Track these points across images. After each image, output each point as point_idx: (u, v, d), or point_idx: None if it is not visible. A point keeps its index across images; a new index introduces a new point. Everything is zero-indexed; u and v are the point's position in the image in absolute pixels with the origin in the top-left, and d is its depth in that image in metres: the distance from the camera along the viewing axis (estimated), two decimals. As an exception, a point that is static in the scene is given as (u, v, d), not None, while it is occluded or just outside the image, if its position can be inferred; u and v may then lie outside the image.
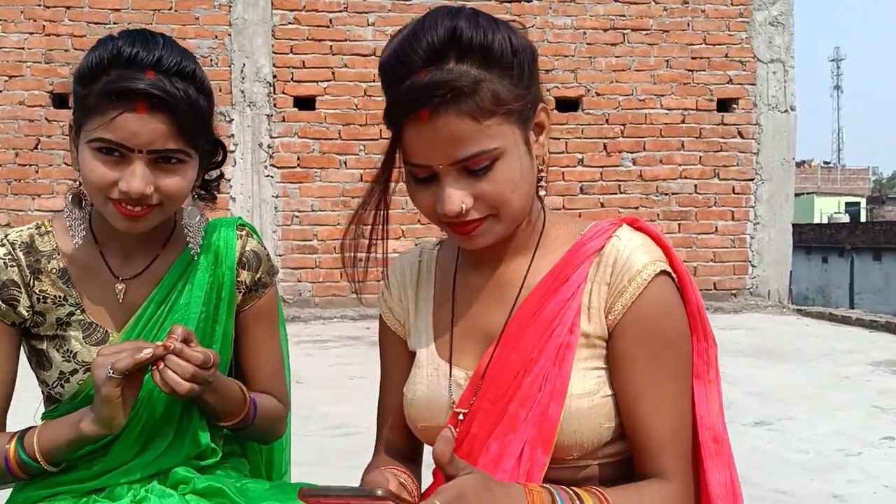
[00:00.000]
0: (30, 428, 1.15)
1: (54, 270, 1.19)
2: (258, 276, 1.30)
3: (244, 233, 1.30)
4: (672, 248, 1.00)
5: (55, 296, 1.19)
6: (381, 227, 1.03)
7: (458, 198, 0.92)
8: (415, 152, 0.92)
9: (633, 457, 0.99)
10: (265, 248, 1.34)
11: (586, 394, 0.96)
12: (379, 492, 0.78)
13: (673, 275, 0.97)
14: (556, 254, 1.00)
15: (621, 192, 7.29)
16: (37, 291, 1.18)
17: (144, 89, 1.05)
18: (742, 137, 7.36)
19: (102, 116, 1.06)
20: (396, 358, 1.11)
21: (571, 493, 0.91)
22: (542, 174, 1.00)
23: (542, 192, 1.02)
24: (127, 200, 1.09)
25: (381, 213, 1.02)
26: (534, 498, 0.88)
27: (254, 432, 1.30)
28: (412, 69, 0.89)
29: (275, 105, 6.96)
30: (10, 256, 1.17)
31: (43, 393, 1.24)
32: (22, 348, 1.22)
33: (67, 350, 1.18)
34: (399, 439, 1.10)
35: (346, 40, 7.00)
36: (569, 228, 1.03)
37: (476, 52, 0.89)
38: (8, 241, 1.18)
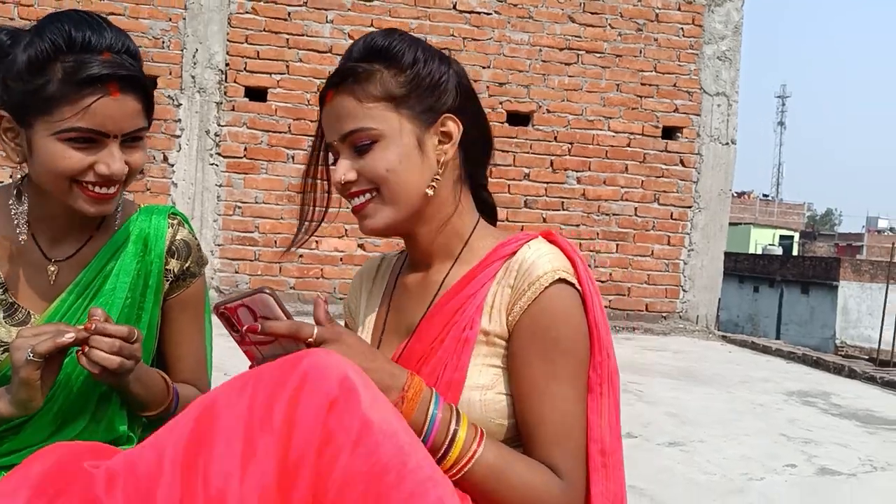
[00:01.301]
0: None
1: None
2: (187, 265, 1.31)
3: (176, 221, 1.31)
4: (581, 263, 1.06)
5: None
6: (314, 210, 1.16)
7: (343, 168, 1.06)
8: (325, 131, 1.09)
9: (525, 453, 1.03)
10: (196, 239, 1.35)
11: (480, 387, 1.03)
12: (266, 290, 0.97)
13: (577, 287, 1.04)
14: (476, 259, 1.10)
15: (564, 209, 7.43)
16: None
17: (114, 72, 1.06)
18: (683, 165, 7.58)
19: (73, 105, 1.05)
20: None
21: (452, 407, 0.99)
22: (438, 177, 1.08)
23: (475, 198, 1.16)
24: (100, 183, 1.10)
25: (314, 195, 1.15)
26: (412, 383, 0.97)
27: None
28: (340, 64, 1.09)
29: (225, 93, 6.88)
30: None
31: None
32: None
33: None
34: None
35: (303, 35, 6.97)
36: (496, 240, 1.12)
37: (380, 52, 1.06)
38: None
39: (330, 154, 1.12)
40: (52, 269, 1.20)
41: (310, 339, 0.94)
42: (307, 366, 0.87)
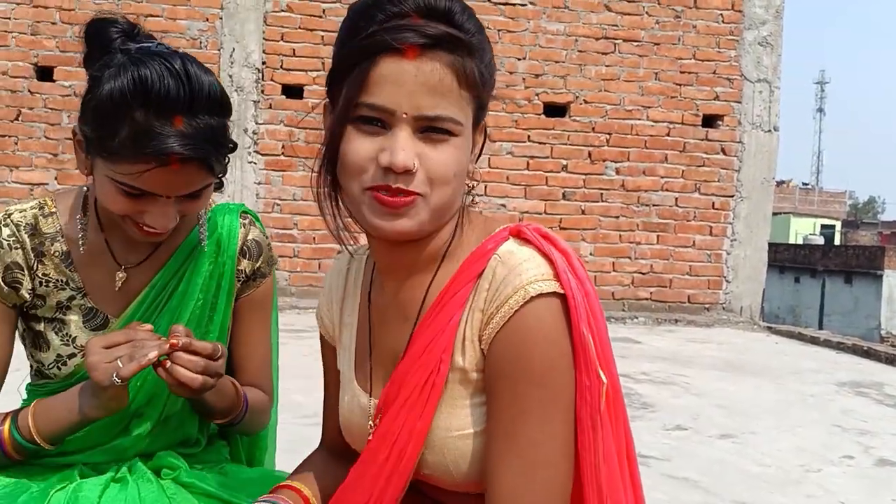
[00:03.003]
0: (20, 409, 1.13)
1: (57, 253, 1.16)
2: (258, 265, 1.29)
3: (247, 220, 1.29)
4: (562, 261, 0.86)
5: (57, 279, 1.16)
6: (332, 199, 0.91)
7: (412, 149, 0.82)
8: (382, 90, 0.81)
9: None
10: (267, 238, 1.32)
11: (455, 431, 0.89)
12: None
13: (560, 291, 0.84)
14: (450, 275, 0.91)
15: (603, 201, 7.35)
16: (39, 275, 1.15)
17: (179, 152, 0.99)
18: (725, 154, 7.45)
19: (131, 166, 1.01)
20: (331, 362, 1.09)
21: None
22: (470, 191, 0.93)
23: (475, 208, 0.97)
24: (149, 226, 1.07)
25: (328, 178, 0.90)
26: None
27: (241, 427, 1.29)
28: (403, 11, 0.82)
29: (262, 92, 6.93)
30: (14, 238, 1.14)
31: (31, 367, 1.22)
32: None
33: (66, 334, 1.17)
34: (335, 441, 1.10)
35: (337, 31, 6.97)
36: (474, 241, 0.93)
37: (465, 30, 0.84)
38: (12, 221, 1.15)
39: (350, 116, 0.84)
40: (121, 275, 1.18)
41: None
42: None
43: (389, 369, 0.95)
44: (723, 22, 7.40)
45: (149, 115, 0.98)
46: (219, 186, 1.16)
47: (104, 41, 1.06)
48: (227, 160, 1.09)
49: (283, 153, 6.95)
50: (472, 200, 0.96)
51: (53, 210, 1.17)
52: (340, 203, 0.90)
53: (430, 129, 0.83)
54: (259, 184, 6.94)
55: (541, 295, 0.84)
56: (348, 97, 0.83)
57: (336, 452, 1.09)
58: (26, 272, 1.14)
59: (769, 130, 7.48)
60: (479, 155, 0.93)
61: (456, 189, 0.87)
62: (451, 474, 0.91)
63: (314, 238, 6.97)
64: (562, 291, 0.84)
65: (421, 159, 0.83)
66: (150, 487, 1.10)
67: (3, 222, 1.14)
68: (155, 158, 0.99)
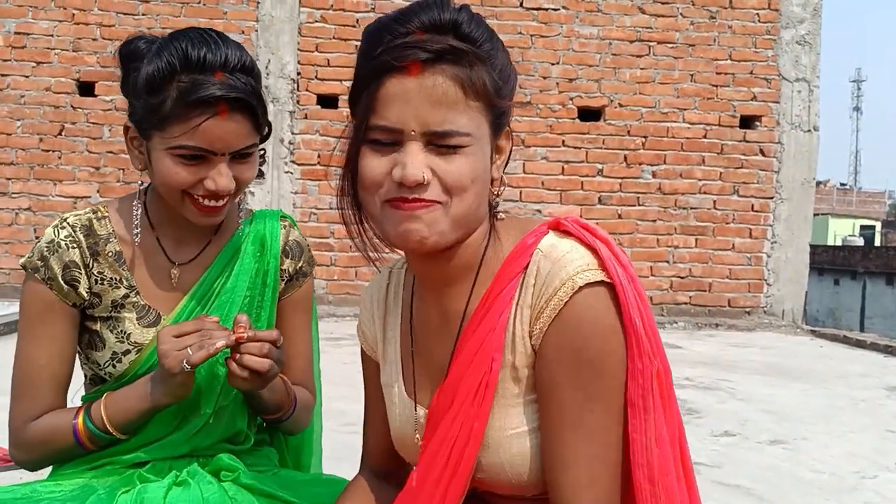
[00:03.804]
0: (92, 403, 1.19)
1: (111, 254, 1.22)
2: (300, 265, 1.34)
3: (287, 223, 1.35)
4: (605, 249, 0.87)
5: (112, 277, 1.21)
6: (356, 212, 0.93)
7: (422, 163, 0.83)
8: (390, 111, 0.83)
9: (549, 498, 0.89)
10: (306, 240, 1.38)
11: (510, 430, 0.90)
12: None
13: (606, 280, 0.85)
14: (490, 277, 0.92)
15: (639, 205, 7.28)
16: (95, 273, 1.20)
17: (224, 94, 1.08)
18: (763, 155, 7.34)
19: (184, 124, 1.09)
20: (374, 378, 1.09)
21: None
22: (497, 196, 0.93)
23: (500, 215, 0.96)
24: (209, 196, 1.14)
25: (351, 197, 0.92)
26: None
27: (287, 425, 1.32)
28: (409, 30, 0.84)
29: (298, 102, 7.00)
30: (71, 238, 1.20)
31: (86, 375, 1.27)
32: None
33: (121, 331, 1.21)
34: (379, 460, 1.10)
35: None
36: (512, 240, 0.93)
37: (472, 40, 0.86)
38: (68, 223, 1.21)
39: (363, 138, 0.87)
40: (176, 271, 1.24)
41: None
42: None
43: (435, 378, 0.96)
44: (759, 21, 7.31)
45: (191, 75, 1.08)
46: (259, 174, 1.20)
47: (139, 56, 1.14)
48: (268, 124, 1.19)
49: (318, 162, 7.01)
50: (498, 206, 0.96)
51: (106, 214, 1.24)
52: (365, 223, 0.93)
53: (440, 142, 0.85)
54: (295, 193, 7.00)
55: (588, 284, 0.85)
56: (360, 120, 0.86)
57: (381, 473, 1.09)
58: (83, 270, 1.19)
59: (809, 130, 7.35)
60: (507, 161, 0.94)
61: (478, 196, 0.88)
62: (505, 474, 0.91)
63: (350, 246, 6.95)
64: (608, 280, 0.85)
65: (435, 170, 0.84)
66: (211, 489, 1.12)
67: (60, 225, 1.20)
68: (204, 106, 1.07)
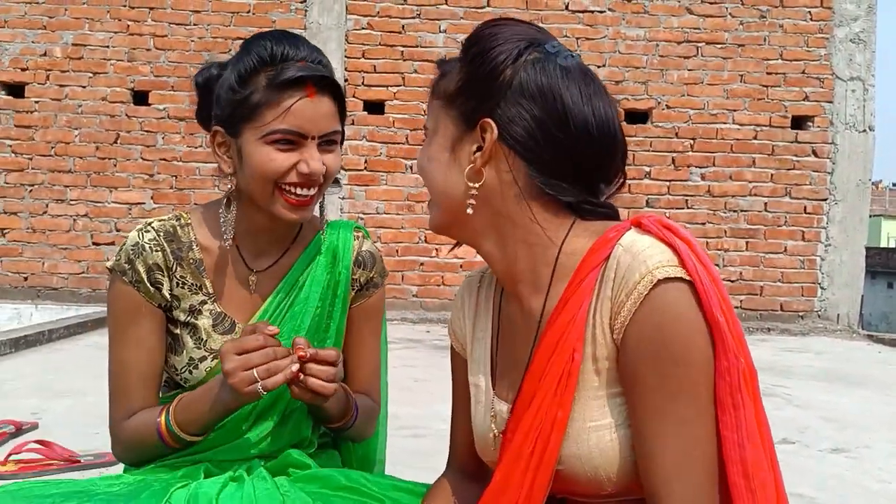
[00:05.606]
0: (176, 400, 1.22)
1: (192, 260, 1.25)
2: (371, 275, 1.36)
3: (360, 234, 1.38)
4: (684, 247, 0.88)
5: (192, 283, 1.25)
6: None
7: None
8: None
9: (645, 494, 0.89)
10: (379, 251, 1.40)
11: (590, 422, 0.91)
12: None
13: (686, 277, 0.86)
14: (569, 274, 0.94)
15: (688, 207, 7.19)
16: (177, 276, 1.24)
17: (312, 74, 1.15)
18: (816, 156, 7.18)
19: (275, 108, 1.15)
20: (461, 376, 1.11)
21: None
22: (475, 189, 0.94)
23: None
24: (301, 184, 1.18)
25: None
26: None
27: (350, 433, 1.34)
28: None
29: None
30: (155, 241, 1.24)
31: (162, 378, 1.30)
32: None
33: (199, 338, 1.24)
34: (465, 460, 1.12)
35: (417, 46, 7.07)
36: (587, 241, 0.95)
37: (462, 46, 1.00)
38: (153, 227, 1.25)
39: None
40: (253, 278, 1.27)
41: None
42: None
43: (518, 375, 0.98)
44: (811, 20, 7.16)
45: (276, 66, 1.16)
46: (335, 181, 1.30)
47: (214, 79, 1.22)
48: (345, 113, 1.25)
49: (365, 168, 7.07)
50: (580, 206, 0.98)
51: (189, 221, 1.28)
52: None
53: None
54: (343, 198, 7.07)
55: (667, 279, 0.86)
56: None
57: (467, 473, 1.11)
58: (165, 273, 1.23)
59: (864, 130, 7.18)
60: (487, 150, 0.94)
61: (430, 177, 0.98)
62: (581, 466, 0.91)
63: (397, 251, 7.05)
64: (688, 277, 0.86)
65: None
66: (264, 485, 1.14)
67: (144, 229, 1.25)
68: (293, 89, 1.14)
